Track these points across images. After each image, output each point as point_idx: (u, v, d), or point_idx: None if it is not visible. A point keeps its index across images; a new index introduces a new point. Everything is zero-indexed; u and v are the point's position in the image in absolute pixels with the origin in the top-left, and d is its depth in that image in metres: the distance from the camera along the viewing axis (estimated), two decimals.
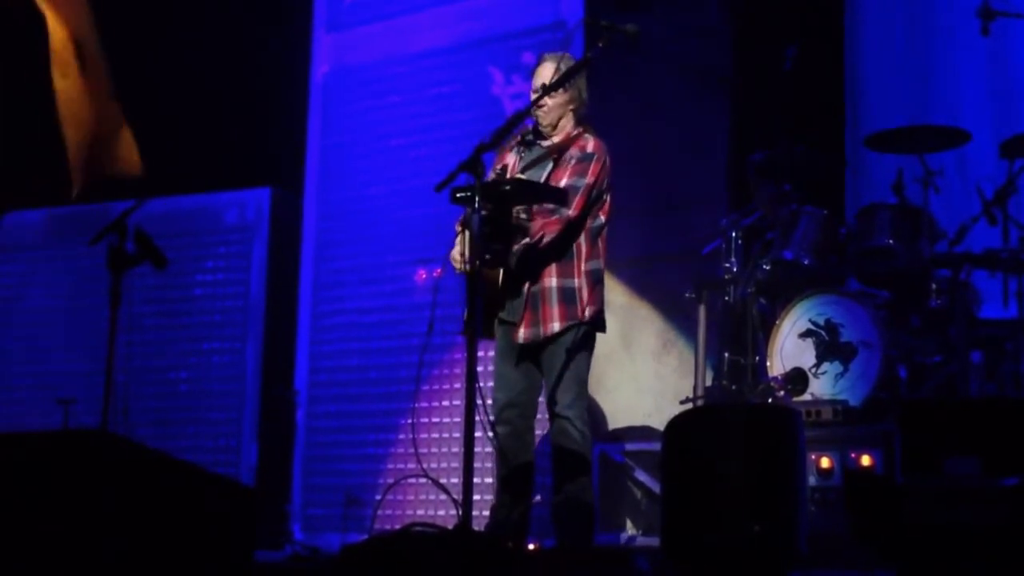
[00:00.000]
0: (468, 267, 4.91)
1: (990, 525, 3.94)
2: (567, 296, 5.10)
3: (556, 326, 5.09)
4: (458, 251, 5.13)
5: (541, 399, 5.31)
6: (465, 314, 5.10)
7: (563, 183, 5.09)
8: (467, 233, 5.01)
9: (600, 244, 5.24)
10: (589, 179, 5.13)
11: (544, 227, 5.02)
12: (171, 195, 8.53)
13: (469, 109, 7.85)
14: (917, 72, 7.24)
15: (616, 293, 7.42)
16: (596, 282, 5.20)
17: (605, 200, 5.23)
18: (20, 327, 9.18)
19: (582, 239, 5.17)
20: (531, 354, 5.19)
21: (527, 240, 5.00)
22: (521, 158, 5.32)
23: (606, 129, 6.96)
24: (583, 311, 5.12)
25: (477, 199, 4.47)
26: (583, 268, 5.15)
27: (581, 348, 5.14)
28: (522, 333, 5.11)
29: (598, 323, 5.23)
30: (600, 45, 4.86)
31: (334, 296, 8.27)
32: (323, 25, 8.67)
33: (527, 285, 5.10)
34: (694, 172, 7.32)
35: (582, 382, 5.16)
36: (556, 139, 5.29)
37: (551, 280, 5.11)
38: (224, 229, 8.67)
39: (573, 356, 5.11)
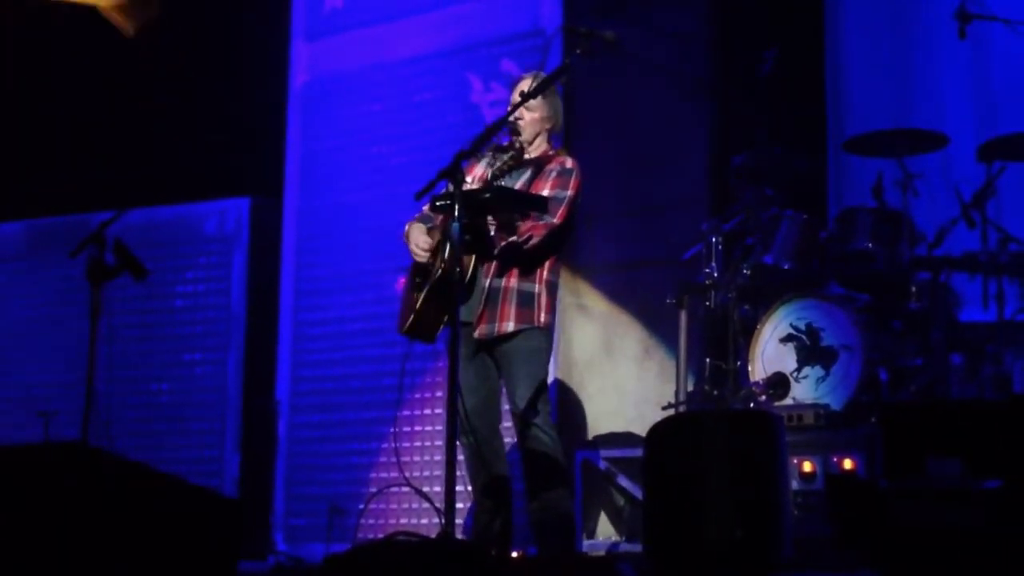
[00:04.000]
0: (440, 266, 4.96)
1: (972, 527, 3.95)
2: (524, 299, 5.16)
3: (510, 326, 5.14)
4: (418, 241, 5.16)
5: (505, 407, 5.33)
6: (402, 312, 5.14)
7: (545, 194, 5.13)
8: (442, 235, 5.06)
9: (559, 260, 5.36)
10: (571, 192, 5.21)
11: (532, 229, 5.06)
12: (150, 206, 8.50)
13: (448, 116, 7.85)
14: (898, 76, 7.26)
15: (596, 299, 7.43)
16: (553, 293, 5.29)
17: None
18: None
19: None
20: (486, 353, 5.22)
21: (513, 238, 5.03)
22: (491, 167, 5.34)
23: (587, 134, 7.01)
24: (539, 317, 5.18)
25: (457, 207, 4.48)
26: (545, 277, 5.22)
27: (538, 353, 5.20)
28: (478, 329, 5.14)
29: (551, 332, 5.29)
30: (579, 52, 4.88)
31: (315, 305, 8.25)
32: (301, 34, 8.66)
33: (487, 282, 5.13)
34: (674, 177, 7.32)
35: (543, 386, 5.22)
36: (532, 155, 5.33)
37: (511, 280, 5.17)
38: (204, 239, 8.65)
39: (530, 361, 5.16)
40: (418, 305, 5.08)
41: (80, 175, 8.92)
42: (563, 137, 5.51)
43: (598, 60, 5.01)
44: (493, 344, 5.19)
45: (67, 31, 9.21)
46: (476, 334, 5.15)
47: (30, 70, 9.35)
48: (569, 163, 5.28)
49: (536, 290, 5.19)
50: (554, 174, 5.23)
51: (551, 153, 5.34)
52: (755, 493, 4.39)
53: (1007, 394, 5.89)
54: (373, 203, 8.05)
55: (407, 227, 5.30)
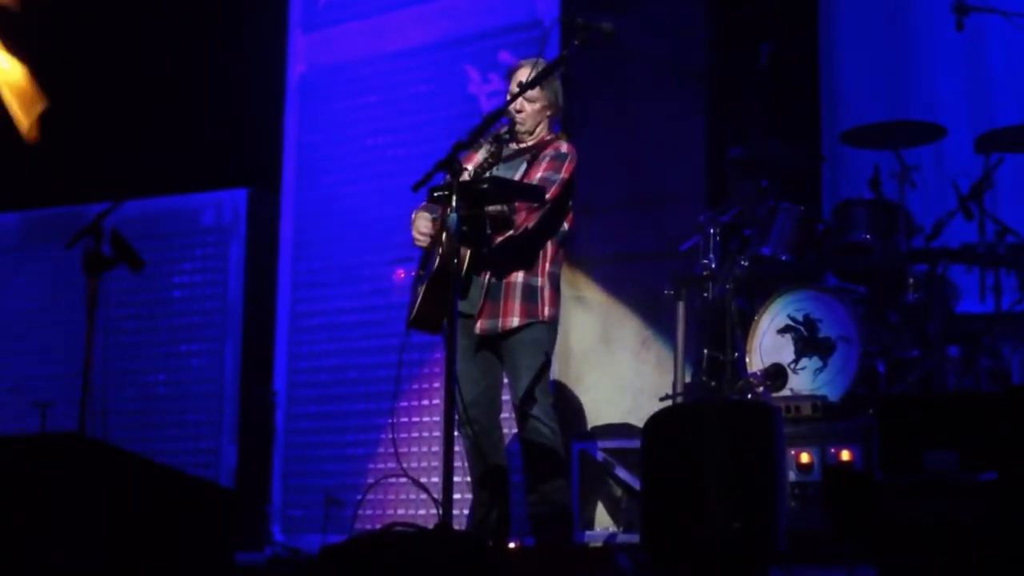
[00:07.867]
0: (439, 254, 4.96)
1: (968, 519, 3.95)
2: (529, 293, 5.14)
3: (516, 321, 5.12)
4: (421, 227, 5.18)
5: (505, 397, 5.33)
6: (410, 304, 5.14)
7: (538, 176, 5.12)
8: (441, 225, 5.06)
9: (562, 251, 5.33)
10: (564, 175, 5.19)
11: (527, 219, 5.06)
12: (147, 197, 8.50)
13: (446, 108, 7.84)
14: (894, 67, 7.26)
15: (594, 290, 7.43)
16: (556, 285, 5.26)
17: (570, 207, 5.29)
18: None
19: (549, 241, 5.21)
20: (489, 348, 5.22)
21: (510, 232, 5.03)
22: (490, 155, 5.32)
23: (584, 126, 7.01)
24: (543, 310, 5.17)
25: (454, 198, 4.48)
26: (547, 269, 5.21)
27: (542, 346, 5.18)
28: (479, 324, 5.13)
29: (555, 325, 5.27)
30: (576, 43, 4.87)
31: (312, 296, 8.25)
32: (299, 25, 8.65)
33: (487, 276, 5.12)
34: (672, 169, 7.33)
35: (546, 379, 5.21)
36: (531, 143, 5.32)
37: (516, 275, 5.15)
38: (201, 230, 8.65)
39: (533, 353, 5.15)
40: (420, 297, 5.09)
41: (76, 166, 8.90)
42: (563, 122, 5.48)
43: (595, 52, 5.01)
44: (496, 338, 5.19)
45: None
46: (478, 329, 5.14)
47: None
48: (564, 148, 5.26)
49: (539, 283, 5.17)
50: (548, 159, 5.22)
51: (548, 138, 5.33)
52: (752, 485, 4.40)
53: (1004, 386, 5.89)
54: (370, 194, 8.05)
55: (414, 215, 5.31)
